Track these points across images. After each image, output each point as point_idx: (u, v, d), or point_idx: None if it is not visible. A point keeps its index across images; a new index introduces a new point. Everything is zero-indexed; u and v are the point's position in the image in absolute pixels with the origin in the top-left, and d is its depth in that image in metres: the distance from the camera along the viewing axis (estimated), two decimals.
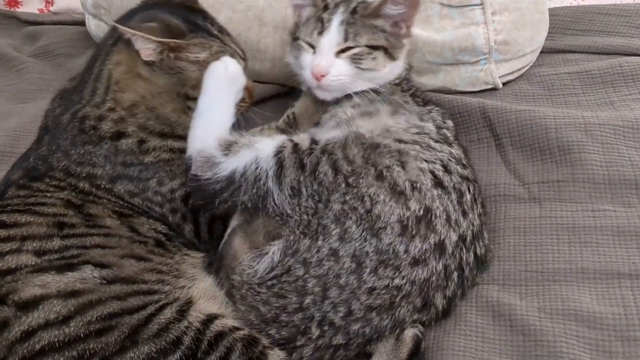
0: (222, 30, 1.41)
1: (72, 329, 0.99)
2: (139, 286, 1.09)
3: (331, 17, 1.38)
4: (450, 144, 1.31)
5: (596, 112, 1.55)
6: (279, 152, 1.19)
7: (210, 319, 1.06)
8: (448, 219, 1.16)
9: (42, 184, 1.24)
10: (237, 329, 1.06)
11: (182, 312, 1.05)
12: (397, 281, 1.10)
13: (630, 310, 1.14)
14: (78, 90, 1.35)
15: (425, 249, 1.12)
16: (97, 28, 2.01)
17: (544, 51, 1.84)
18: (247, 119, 1.48)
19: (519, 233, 1.34)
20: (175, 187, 1.30)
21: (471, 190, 1.24)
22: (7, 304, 1.01)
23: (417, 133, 1.28)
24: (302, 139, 1.23)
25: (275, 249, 1.14)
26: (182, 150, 1.30)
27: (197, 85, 1.31)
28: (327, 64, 1.34)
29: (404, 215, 1.11)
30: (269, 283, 1.12)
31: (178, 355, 0.99)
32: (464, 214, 1.19)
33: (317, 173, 1.15)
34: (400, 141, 1.24)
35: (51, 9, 2.54)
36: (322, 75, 1.34)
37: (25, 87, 2.03)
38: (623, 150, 1.42)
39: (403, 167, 1.16)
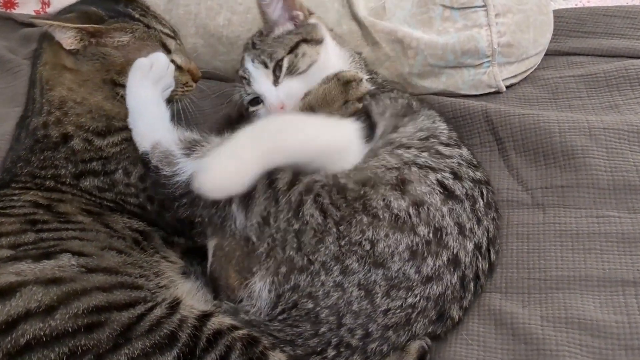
0: (145, 13, 1.44)
1: (58, 322, 0.96)
2: (123, 277, 1.08)
3: (245, 68, 1.43)
4: (459, 146, 1.32)
5: (601, 116, 1.55)
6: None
7: (205, 315, 1.05)
8: (461, 231, 1.15)
9: (8, 189, 1.27)
10: (235, 327, 1.06)
11: (173, 307, 1.05)
12: (410, 300, 1.09)
13: (634, 318, 1.14)
14: (27, 104, 1.43)
15: (439, 266, 1.11)
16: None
17: (548, 54, 1.84)
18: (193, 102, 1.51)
19: (521, 239, 1.34)
20: (143, 174, 1.31)
21: (484, 193, 1.24)
22: None
23: (426, 137, 1.29)
24: (282, 171, 1.16)
25: (260, 285, 1.12)
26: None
27: (122, 70, 1.34)
28: (277, 100, 1.37)
29: (412, 242, 1.10)
30: (280, 317, 1.11)
31: (175, 353, 0.98)
32: (479, 221, 1.19)
33: (300, 214, 1.12)
34: (405, 147, 1.24)
35: (47, 10, 2.54)
36: (282, 107, 1.36)
37: (21, 90, 2.00)
38: (628, 155, 1.41)
39: (403, 193, 1.13)
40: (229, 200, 1.14)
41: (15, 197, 1.23)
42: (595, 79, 1.70)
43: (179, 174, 1.19)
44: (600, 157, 1.42)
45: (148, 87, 1.30)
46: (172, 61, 1.41)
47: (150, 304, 1.05)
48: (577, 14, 1.97)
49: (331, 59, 1.42)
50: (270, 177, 1.15)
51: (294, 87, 1.37)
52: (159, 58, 1.34)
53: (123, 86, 1.33)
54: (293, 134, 1.19)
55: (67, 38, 1.29)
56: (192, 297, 1.14)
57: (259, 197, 1.14)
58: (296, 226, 1.11)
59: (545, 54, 1.83)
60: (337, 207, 1.12)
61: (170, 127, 1.28)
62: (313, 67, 1.38)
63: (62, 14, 1.39)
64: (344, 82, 1.31)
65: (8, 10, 2.57)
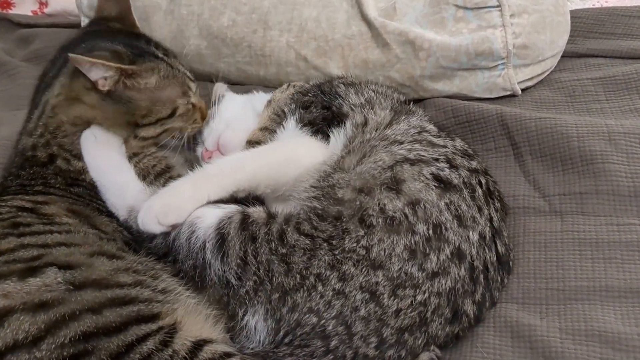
0: (166, 52, 1.45)
1: (43, 352, 0.94)
2: (114, 292, 1.04)
3: None
4: (452, 138, 1.34)
5: (620, 120, 1.55)
6: (222, 226, 1.17)
7: (199, 344, 1.03)
8: (461, 223, 1.15)
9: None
10: (228, 355, 1.04)
11: (167, 340, 1.01)
12: (419, 297, 1.09)
13: None
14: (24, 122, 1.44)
15: (443, 260, 1.11)
16: None
17: (565, 55, 1.85)
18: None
19: (539, 248, 1.34)
20: None
21: (483, 182, 1.25)
22: None
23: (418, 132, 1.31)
24: (255, 212, 1.20)
25: (255, 320, 1.12)
26: None
27: (147, 114, 1.36)
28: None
29: (411, 241, 1.11)
30: (286, 341, 1.10)
31: None
32: (480, 209, 1.20)
33: (285, 241, 1.13)
34: (397, 143, 1.26)
35: (45, 10, 2.57)
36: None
37: (18, 93, 2.03)
38: None
39: (398, 193, 1.15)
40: (202, 247, 1.15)
41: (2, 204, 1.24)
42: (614, 81, 1.70)
43: (158, 234, 1.21)
44: (621, 163, 1.41)
45: (102, 154, 1.33)
46: (191, 100, 1.44)
47: (143, 329, 1.01)
48: (595, 15, 1.97)
49: None
50: (242, 217, 1.18)
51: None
52: (95, 129, 1.34)
53: (145, 126, 1.37)
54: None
55: (104, 78, 1.29)
56: (193, 315, 1.11)
57: (232, 239, 1.15)
58: (283, 250, 1.12)
59: (562, 56, 1.84)
60: (322, 231, 1.13)
61: (140, 186, 1.30)
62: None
63: (81, 45, 1.38)
64: None
65: (4, 11, 2.59)
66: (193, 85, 1.46)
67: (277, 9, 1.79)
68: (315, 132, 1.36)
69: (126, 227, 1.27)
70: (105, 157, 1.32)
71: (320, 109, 1.39)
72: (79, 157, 1.33)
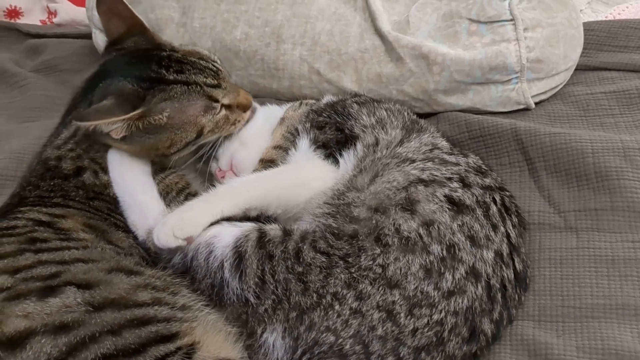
0: (181, 66, 1.39)
1: None
2: (133, 312, 1.05)
3: None
4: (465, 155, 1.36)
5: (635, 135, 1.57)
6: (239, 244, 1.19)
7: None
8: (474, 243, 1.17)
9: (15, 211, 1.29)
10: None
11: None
12: (436, 316, 1.11)
13: None
14: (52, 133, 1.45)
15: (458, 279, 1.13)
16: (105, 43, 2.04)
17: (578, 68, 1.86)
18: None
19: (554, 265, 1.35)
20: None
21: (497, 200, 1.26)
22: None
23: (430, 150, 1.34)
24: (271, 230, 1.23)
25: (273, 337, 1.14)
26: None
27: (171, 145, 1.36)
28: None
29: (426, 260, 1.13)
30: (304, 359, 1.12)
31: None
32: (494, 227, 1.21)
33: (301, 259, 1.15)
34: (409, 161, 1.28)
35: (54, 20, 2.59)
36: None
37: (28, 104, 2.07)
38: None
39: (412, 214, 1.18)
40: (220, 267, 1.18)
41: (19, 215, 1.25)
42: (628, 95, 1.72)
43: (174, 255, 1.24)
44: (636, 179, 1.43)
45: (128, 172, 1.35)
46: (221, 105, 1.42)
47: (162, 349, 1.02)
48: (607, 27, 1.99)
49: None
50: (258, 235, 1.20)
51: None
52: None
53: (175, 152, 1.38)
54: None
55: (115, 130, 1.28)
56: (212, 334, 1.12)
57: (249, 257, 1.17)
58: (299, 269, 1.15)
59: (575, 69, 1.85)
60: (338, 248, 1.16)
61: (161, 208, 1.33)
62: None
63: (95, 88, 1.36)
64: None
65: (12, 20, 2.61)
66: (219, 93, 1.41)
67: (290, 22, 1.81)
68: (327, 156, 1.39)
69: (144, 247, 1.30)
70: (130, 175, 1.35)
71: (334, 131, 1.42)
72: (107, 170, 1.35)
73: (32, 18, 2.63)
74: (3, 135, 1.90)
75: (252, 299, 1.15)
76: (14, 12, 2.63)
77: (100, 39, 2.06)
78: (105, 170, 1.35)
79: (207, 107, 1.38)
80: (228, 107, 1.43)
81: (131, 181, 1.35)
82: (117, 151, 1.35)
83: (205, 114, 1.38)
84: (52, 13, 2.62)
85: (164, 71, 1.35)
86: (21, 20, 2.62)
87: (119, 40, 1.45)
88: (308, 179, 1.35)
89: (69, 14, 2.56)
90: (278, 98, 1.87)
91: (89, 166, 1.35)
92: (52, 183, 1.34)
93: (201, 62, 1.42)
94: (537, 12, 1.71)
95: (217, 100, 1.40)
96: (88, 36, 2.23)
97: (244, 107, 1.49)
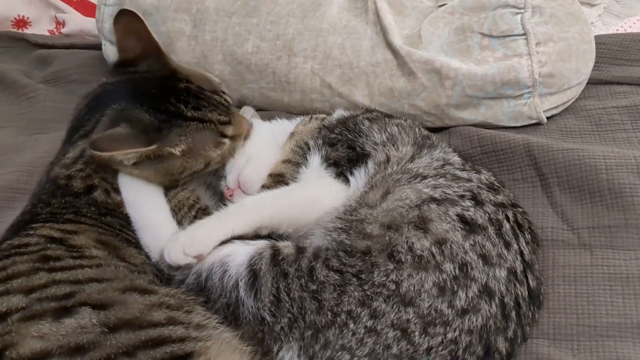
0: (198, 101, 1.41)
1: None
2: (148, 333, 1.05)
3: None
4: (478, 171, 1.37)
5: None
6: (253, 262, 1.21)
7: None
8: (487, 261, 1.18)
9: (27, 227, 1.30)
10: None
11: None
12: (450, 335, 1.12)
13: None
14: (59, 151, 1.46)
15: (472, 297, 1.14)
16: (114, 55, 2.05)
17: (590, 82, 1.87)
18: None
19: (569, 282, 1.36)
20: None
21: (510, 217, 1.27)
22: None
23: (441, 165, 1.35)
24: (285, 246, 1.24)
25: (289, 355, 1.15)
26: None
27: (184, 170, 1.38)
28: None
29: (439, 278, 1.14)
30: None
31: None
32: (507, 245, 1.22)
33: (315, 277, 1.17)
34: (420, 177, 1.29)
35: (62, 30, 2.60)
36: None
37: (37, 116, 2.07)
38: None
39: (425, 232, 1.19)
40: (235, 286, 1.19)
41: (31, 232, 1.26)
42: None
43: (188, 276, 1.25)
44: None
45: (140, 193, 1.37)
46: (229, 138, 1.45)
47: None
48: (619, 41, 2.00)
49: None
50: (272, 252, 1.22)
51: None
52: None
53: (185, 178, 1.40)
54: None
55: (128, 158, 1.29)
56: (227, 353, 1.12)
57: (264, 274, 1.19)
58: (313, 287, 1.16)
59: (586, 83, 1.86)
60: (351, 266, 1.17)
61: (174, 229, 1.34)
62: None
63: (107, 108, 1.36)
64: None
65: (20, 30, 2.62)
66: (229, 129, 1.45)
67: (301, 35, 1.82)
68: (338, 175, 1.40)
69: (157, 268, 1.31)
70: (142, 197, 1.36)
71: (346, 149, 1.44)
72: (119, 190, 1.36)
73: (40, 28, 2.64)
74: (13, 147, 1.92)
75: (268, 318, 1.16)
76: (21, 22, 2.64)
77: (110, 51, 2.07)
78: (117, 190, 1.36)
79: (217, 143, 1.43)
80: (232, 137, 1.47)
81: (143, 202, 1.36)
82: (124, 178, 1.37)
83: (215, 149, 1.42)
84: (60, 23, 2.63)
85: (182, 106, 1.37)
86: (29, 30, 2.63)
87: (131, 61, 1.45)
88: (319, 198, 1.36)
89: (78, 24, 2.57)
90: (289, 111, 1.88)
91: (100, 185, 1.36)
92: (63, 200, 1.34)
93: (215, 97, 1.45)
94: (549, 26, 1.72)
95: (226, 136, 1.44)
96: (97, 47, 2.24)
97: (246, 136, 1.53)
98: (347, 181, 1.39)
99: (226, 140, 1.44)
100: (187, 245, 1.23)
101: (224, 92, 1.49)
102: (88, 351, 0.99)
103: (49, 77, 2.27)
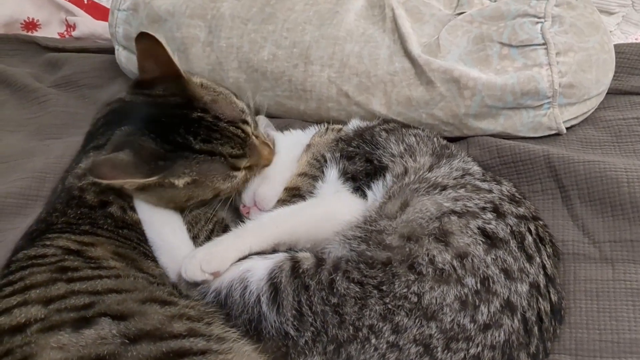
0: (209, 134, 1.37)
1: None
2: (169, 344, 1.05)
3: None
4: (499, 182, 1.38)
5: None
6: (273, 276, 1.22)
7: None
8: (508, 276, 1.18)
9: (43, 237, 1.30)
10: None
11: None
12: (472, 351, 1.12)
13: None
14: (75, 157, 1.47)
15: (494, 312, 1.15)
16: (127, 60, 2.08)
17: (609, 92, 1.87)
18: None
19: (590, 297, 1.36)
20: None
21: (532, 230, 1.28)
22: None
23: (461, 175, 1.36)
24: (304, 257, 1.26)
25: None
26: None
27: (189, 199, 1.37)
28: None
29: (460, 292, 1.15)
30: None
31: None
32: (530, 259, 1.22)
33: (335, 290, 1.17)
34: (440, 187, 1.30)
35: (73, 33, 2.62)
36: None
37: (48, 121, 2.09)
38: None
39: (446, 245, 1.19)
40: (257, 301, 1.20)
41: (48, 243, 1.27)
42: None
43: (207, 293, 1.26)
44: None
45: (157, 215, 1.38)
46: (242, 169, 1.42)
47: None
48: (638, 50, 2.00)
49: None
50: (291, 264, 1.23)
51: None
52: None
53: (191, 206, 1.39)
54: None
55: (129, 185, 1.29)
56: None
57: (285, 288, 1.20)
58: (334, 300, 1.17)
59: (606, 93, 1.86)
60: (372, 277, 1.18)
61: (190, 247, 1.36)
62: None
63: (114, 129, 1.36)
64: None
65: (30, 33, 2.64)
66: (242, 162, 1.41)
67: (318, 43, 1.82)
68: (355, 189, 1.41)
69: (176, 287, 1.31)
70: (159, 218, 1.37)
71: (364, 162, 1.45)
72: (135, 208, 1.37)
73: (50, 31, 2.66)
74: (25, 153, 1.93)
75: (292, 332, 1.17)
76: (31, 25, 2.65)
77: (123, 56, 2.08)
78: (133, 208, 1.37)
79: (226, 176, 1.39)
80: (249, 167, 1.44)
81: (160, 224, 1.37)
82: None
83: (224, 181, 1.38)
84: (70, 26, 2.64)
85: (191, 138, 1.33)
86: (38, 33, 2.65)
87: (149, 83, 1.42)
88: (336, 214, 1.37)
89: (89, 27, 2.58)
90: (304, 120, 1.88)
91: (115, 201, 1.36)
92: (79, 211, 1.35)
93: (230, 128, 1.39)
94: (569, 36, 1.73)
95: (238, 169, 1.40)
96: (109, 51, 2.25)
97: (266, 164, 1.51)
98: (364, 195, 1.40)
99: (237, 174, 1.40)
100: (204, 262, 1.24)
101: (244, 122, 1.44)
102: None
103: (60, 81, 2.29)
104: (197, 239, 1.39)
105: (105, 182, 1.25)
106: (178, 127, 1.34)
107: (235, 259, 1.27)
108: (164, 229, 1.37)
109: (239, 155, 1.40)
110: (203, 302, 1.24)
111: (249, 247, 1.29)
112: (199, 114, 1.37)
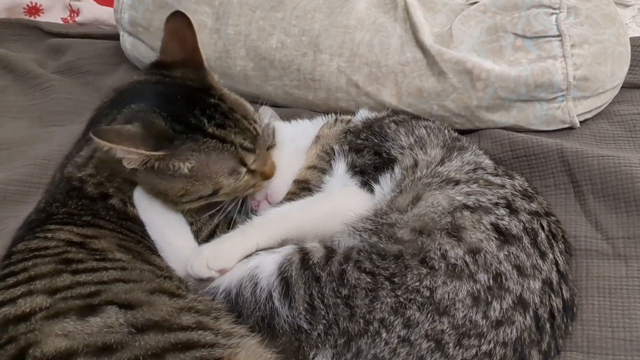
0: (224, 120, 1.33)
1: None
2: (177, 336, 1.04)
3: None
4: (511, 177, 1.37)
5: None
6: (283, 270, 1.22)
7: None
8: (521, 272, 1.18)
9: (44, 228, 1.29)
10: None
11: None
12: (484, 347, 1.12)
13: None
14: (75, 144, 1.46)
15: (506, 309, 1.15)
16: (133, 47, 2.08)
17: (624, 86, 1.87)
18: None
19: (603, 294, 1.36)
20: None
21: (545, 226, 1.28)
22: None
23: (473, 170, 1.35)
24: (313, 247, 1.25)
25: None
26: None
27: (185, 194, 1.30)
28: None
29: (473, 288, 1.15)
30: None
31: None
32: (543, 255, 1.22)
33: (345, 280, 1.17)
34: (452, 182, 1.30)
35: (76, 19, 2.61)
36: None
37: (51, 108, 2.08)
38: None
39: (459, 240, 1.19)
40: (269, 297, 1.20)
41: (49, 235, 1.25)
42: None
43: (217, 294, 1.26)
44: None
45: (157, 214, 1.36)
46: (248, 169, 1.36)
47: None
48: None
49: None
50: (301, 256, 1.23)
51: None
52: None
53: (185, 202, 1.33)
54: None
55: (129, 159, 1.23)
56: (255, 359, 1.12)
57: (296, 281, 1.20)
58: (345, 292, 1.16)
59: (621, 87, 1.86)
60: (383, 268, 1.18)
61: (194, 245, 1.36)
62: None
63: (126, 106, 1.31)
64: None
65: (32, 17, 2.63)
66: (251, 158, 1.35)
67: (328, 32, 1.82)
68: (363, 184, 1.41)
69: (183, 282, 1.31)
70: (161, 219, 1.36)
71: (372, 155, 1.45)
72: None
73: (53, 16, 2.65)
74: (27, 139, 1.93)
75: (305, 325, 1.17)
76: (34, 9, 2.65)
77: (128, 43, 2.08)
78: (133, 203, 1.36)
79: (233, 170, 1.33)
80: (252, 171, 1.39)
81: (162, 225, 1.36)
82: (143, 192, 1.35)
83: (228, 176, 1.33)
84: (74, 11, 2.63)
85: (205, 120, 1.29)
86: (41, 18, 2.64)
87: (167, 65, 1.39)
88: (344, 209, 1.35)
89: (93, 13, 2.58)
90: (312, 109, 1.88)
91: (115, 194, 1.35)
92: (80, 203, 1.34)
93: (244, 121, 1.36)
94: (584, 28, 1.72)
95: (245, 165, 1.35)
96: (114, 37, 2.25)
97: (266, 177, 1.44)
98: (372, 190, 1.40)
99: (243, 170, 1.35)
100: (210, 259, 1.25)
101: (255, 122, 1.39)
102: (115, 351, 0.98)
103: (63, 67, 2.29)
104: (201, 233, 1.39)
105: (107, 144, 1.17)
106: (193, 108, 1.30)
107: (242, 256, 1.27)
108: (167, 231, 1.36)
109: (249, 149, 1.35)
110: (211, 299, 1.24)
111: (255, 245, 1.29)
112: (216, 101, 1.34)
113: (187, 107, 1.30)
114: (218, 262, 1.25)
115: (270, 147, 1.54)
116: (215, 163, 1.30)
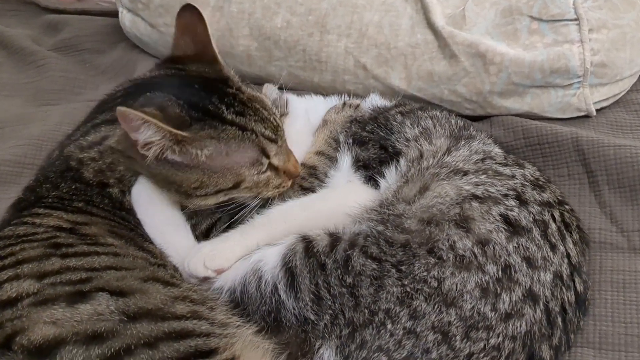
0: (243, 108, 1.32)
1: None
2: (171, 325, 1.04)
3: None
4: (521, 166, 1.36)
5: None
6: (287, 260, 1.22)
7: None
8: (531, 264, 1.18)
9: (33, 212, 1.27)
10: None
11: None
12: (493, 341, 1.12)
13: None
14: (79, 125, 1.44)
15: (516, 301, 1.14)
16: (132, 24, 2.07)
17: None
18: None
19: (617, 288, 1.36)
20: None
21: (557, 217, 1.27)
22: (14, 349, 0.95)
23: (482, 160, 1.35)
24: (317, 235, 1.25)
25: (327, 353, 1.15)
26: None
27: (200, 187, 1.28)
28: None
29: (481, 280, 1.14)
30: None
31: None
32: (553, 247, 1.22)
33: (350, 267, 1.17)
34: (460, 172, 1.30)
35: None
36: None
37: (46, 86, 2.08)
38: None
39: (467, 231, 1.19)
40: (274, 290, 1.20)
41: (37, 221, 1.24)
42: None
43: (218, 289, 1.26)
44: None
45: (155, 212, 1.36)
46: (270, 164, 1.35)
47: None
48: None
49: None
50: (304, 245, 1.23)
51: None
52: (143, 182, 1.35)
53: (200, 196, 1.30)
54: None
55: (150, 143, 1.20)
56: (251, 349, 1.11)
57: (301, 271, 1.20)
58: (349, 280, 1.16)
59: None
60: (390, 255, 1.17)
61: (193, 243, 1.35)
62: None
63: (142, 93, 1.30)
64: None
65: None
66: (273, 148, 1.34)
67: (336, 11, 1.81)
68: (368, 179, 1.41)
69: (177, 270, 1.31)
70: (159, 217, 1.35)
71: (377, 149, 1.44)
72: None
73: None
74: (21, 118, 1.93)
75: (312, 316, 1.17)
76: None
77: (127, 20, 2.07)
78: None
79: (255, 160, 1.31)
80: (275, 168, 1.37)
81: (160, 223, 1.35)
82: (143, 188, 1.34)
83: (250, 166, 1.31)
84: None
85: (223, 107, 1.28)
86: None
87: (181, 60, 1.39)
88: (347, 206, 1.35)
89: None
90: (319, 92, 1.86)
91: (115, 185, 1.34)
92: (73, 187, 1.32)
93: (264, 111, 1.35)
94: (603, 11, 1.71)
95: (267, 156, 1.33)
96: (112, 14, 2.25)
97: (291, 175, 1.42)
98: (377, 185, 1.40)
99: (266, 162, 1.33)
100: (208, 258, 1.26)
101: (274, 114, 1.38)
102: (106, 340, 0.97)
103: (60, 44, 2.28)
104: (199, 227, 1.38)
105: (134, 113, 1.15)
106: (210, 96, 1.29)
107: (242, 256, 1.28)
108: (165, 229, 1.35)
109: (271, 138, 1.33)
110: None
111: (256, 244, 1.29)
112: (235, 90, 1.34)
113: (204, 95, 1.29)
114: (216, 261, 1.26)
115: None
116: (235, 152, 1.29)
